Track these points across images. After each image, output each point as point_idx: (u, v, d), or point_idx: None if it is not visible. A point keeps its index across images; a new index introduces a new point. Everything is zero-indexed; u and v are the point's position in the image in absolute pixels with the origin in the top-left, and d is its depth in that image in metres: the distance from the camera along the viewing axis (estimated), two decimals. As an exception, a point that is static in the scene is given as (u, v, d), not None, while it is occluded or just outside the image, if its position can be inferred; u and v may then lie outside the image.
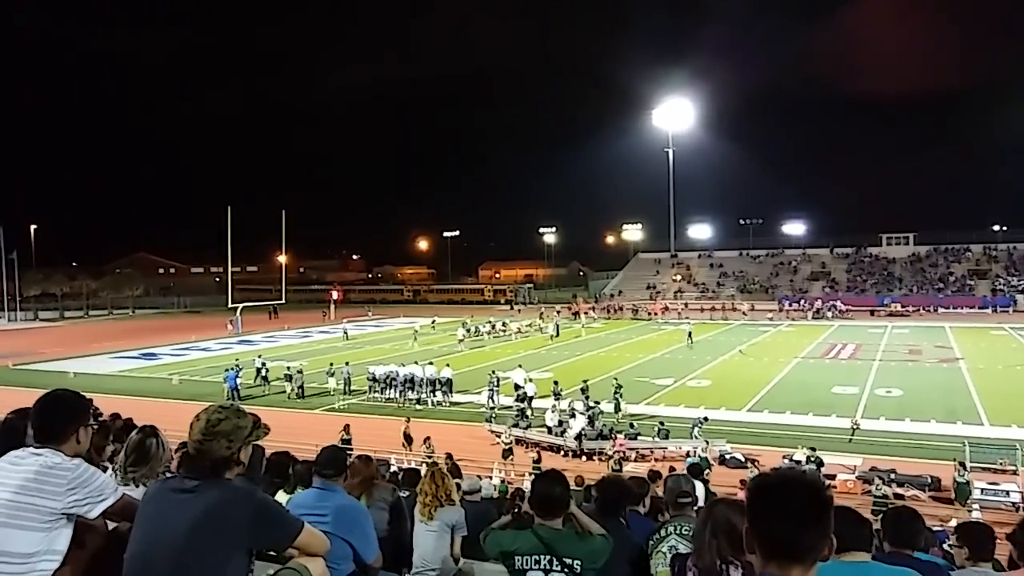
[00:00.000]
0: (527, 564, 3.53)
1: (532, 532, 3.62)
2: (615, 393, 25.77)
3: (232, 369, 30.86)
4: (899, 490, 17.25)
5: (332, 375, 30.94)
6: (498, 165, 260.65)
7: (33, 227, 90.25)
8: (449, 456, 17.81)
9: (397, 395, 28.83)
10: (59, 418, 3.00)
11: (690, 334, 44.93)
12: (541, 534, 3.57)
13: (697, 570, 3.33)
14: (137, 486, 3.66)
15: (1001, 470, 18.24)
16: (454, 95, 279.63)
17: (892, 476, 17.87)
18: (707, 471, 16.21)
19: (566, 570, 3.47)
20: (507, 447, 20.85)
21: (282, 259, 69.05)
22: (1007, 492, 16.76)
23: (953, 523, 14.42)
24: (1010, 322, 52.80)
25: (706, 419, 22.10)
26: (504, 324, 52.83)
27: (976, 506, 16.02)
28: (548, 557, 3.49)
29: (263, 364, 33.11)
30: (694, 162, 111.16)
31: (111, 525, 3.04)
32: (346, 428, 21.36)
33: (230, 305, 59.56)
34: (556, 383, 27.26)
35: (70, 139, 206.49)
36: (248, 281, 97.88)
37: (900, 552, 3.97)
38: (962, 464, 17.31)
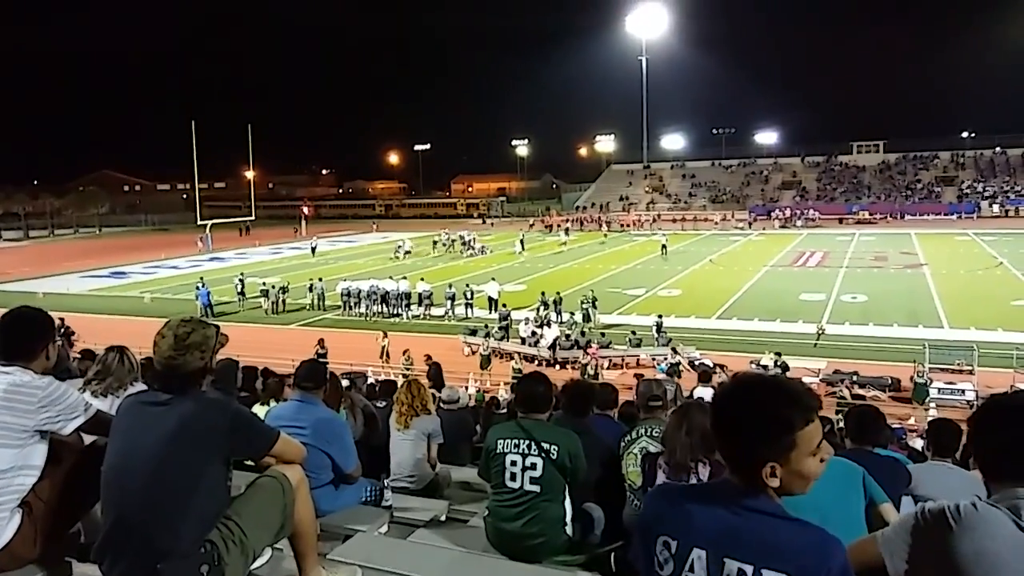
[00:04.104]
0: (507, 447, 3.74)
1: (516, 423, 3.88)
2: (583, 304, 26.23)
3: (203, 286, 30.69)
4: (860, 391, 17.89)
5: (312, 290, 30.95)
6: (468, 75, 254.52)
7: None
8: (428, 357, 18.14)
9: (364, 309, 29.02)
10: (26, 336, 2.97)
11: (664, 246, 44.94)
12: (523, 424, 3.82)
13: (668, 467, 3.45)
14: (105, 397, 3.69)
15: (958, 370, 18.94)
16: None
17: (854, 378, 18.50)
18: (677, 377, 16.63)
19: (543, 454, 3.66)
20: (485, 356, 21.21)
21: (250, 175, 67.52)
22: (963, 391, 17.46)
23: (911, 421, 15.12)
24: (974, 228, 53.79)
25: (660, 319, 22.84)
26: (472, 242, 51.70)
27: (933, 405, 16.70)
28: (527, 441, 3.71)
29: (240, 281, 32.68)
30: (668, 71, 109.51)
31: (87, 439, 3.06)
32: (320, 342, 21.47)
33: (199, 222, 58.49)
34: (557, 293, 27.37)
35: (26, 54, 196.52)
36: (216, 198, 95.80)
37: (861, 448, 4.13)
38: (921, 365, 17.96)
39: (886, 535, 1.98)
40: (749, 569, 1.66)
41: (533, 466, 3.67)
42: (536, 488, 3.66)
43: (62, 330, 15.64)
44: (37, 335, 2.99)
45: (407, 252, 47.84)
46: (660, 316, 23.17)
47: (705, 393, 11.84)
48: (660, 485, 2.24)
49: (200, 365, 2.64)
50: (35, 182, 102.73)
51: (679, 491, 1.97)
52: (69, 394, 2.90)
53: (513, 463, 3.70)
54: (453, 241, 50.57)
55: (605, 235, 56.53)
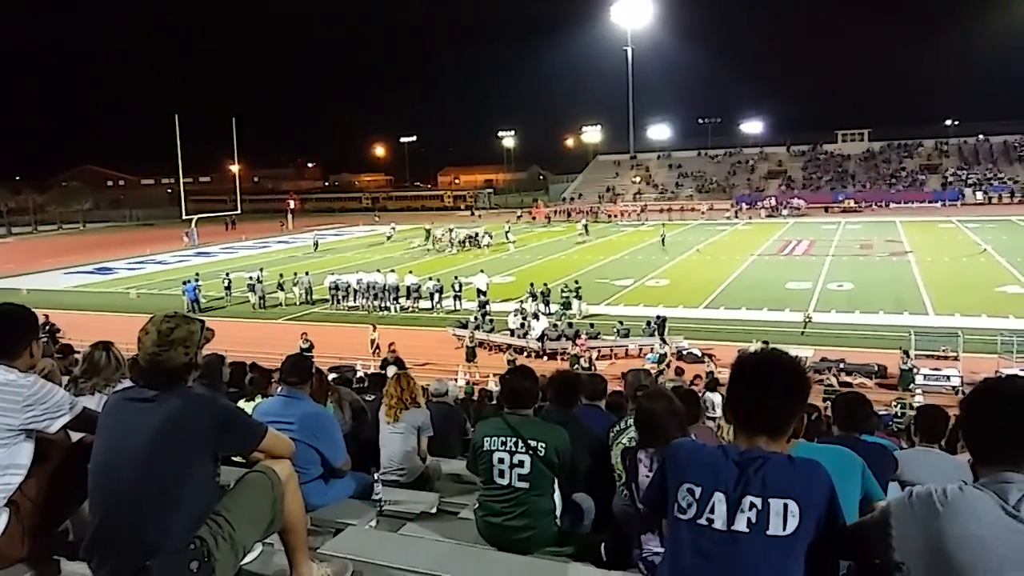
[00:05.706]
0: (494, 445, 3.72)
1: (501, 418, 3.84)
2: (563, 294, 26.42)
3: (190, 281, 30.53)
4: (847, 378, 18.02)
5: (296, 284, 30.80)
6: (454, 67, 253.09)
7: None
8: (392, 350, 18.31)
9: (364, 302, 28.91)
10: (10, 334, 2.93)
11: (663, 238, 44.33)
12: (509, 420, 3.78)
13: (650, 461, 3.44)
14: (92, 394, 3.66)
15: (943, 356, 19.11)
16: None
17: (841, 365, 18.63)
18: (663, 367, 16.72)
19: (530, 451, 3.64)
20: (470, 349, 21.19)
21: (235, 168, 67.04)
22: (948, 377, 17.63)
23: (897, 408, 15.23)
24: (958, 215, 54.21)
25: (663, 319, 22.41)
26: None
27: (919, 391, 16.84)
28: (514, 439, 3.68)
29: (254, 275, 31.47)
30: (653, 60, 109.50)
31: (75, 437, 3.03)
32: (303, 336, 21.35)
33: (184, 217, 58.09)
34: (545, 285, 27.29)
35: (5, 48, 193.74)
36: (201, 192, 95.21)
37: (848, 435, 4.16)
38: (906, 352, 18.12)
39: (874, 519, 2.00)
40: (759, 501, 1.97)
41: (521, 463, 3.64)
42: (525, 484, 3.64)
43: (46, 327, 15.51)
44: (21, 333, 2.95)
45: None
46: (660, 317, 22.35)
47: (715, 399, 11.97)
48: (682, 441, 2.43)
49: (185, 361, 2.61)
50: (17, 178, 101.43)
51: (700, 446, 2.25)
52: (54, 392, 2.87)
53: (501, 460, 3.68)
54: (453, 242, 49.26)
55: (585, 227, 51.26)
